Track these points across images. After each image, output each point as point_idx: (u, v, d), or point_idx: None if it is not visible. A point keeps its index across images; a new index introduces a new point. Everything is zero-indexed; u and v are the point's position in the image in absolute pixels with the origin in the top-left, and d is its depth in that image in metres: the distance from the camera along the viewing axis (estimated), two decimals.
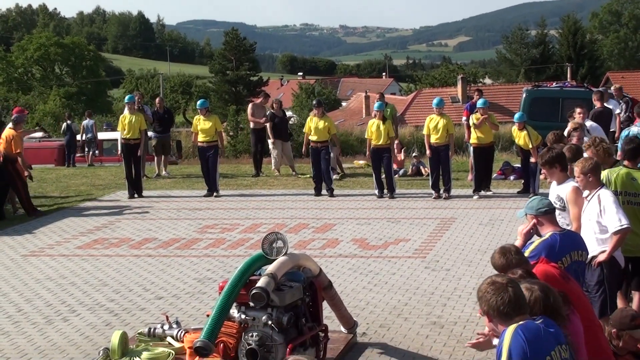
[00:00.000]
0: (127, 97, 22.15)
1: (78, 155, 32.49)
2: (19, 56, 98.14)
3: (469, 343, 6.01)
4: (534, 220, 7.45)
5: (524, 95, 25.89)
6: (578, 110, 15.71)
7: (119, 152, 23.36)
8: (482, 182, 19.52)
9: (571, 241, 7.39)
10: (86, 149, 32.31)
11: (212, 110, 29.00)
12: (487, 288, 4.91)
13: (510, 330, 4.75)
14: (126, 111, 21.35)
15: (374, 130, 19.31)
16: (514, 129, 19.21)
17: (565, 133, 13.45)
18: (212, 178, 20.70)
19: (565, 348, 4.91)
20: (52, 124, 68.01)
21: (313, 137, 19.99)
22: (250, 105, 24.97)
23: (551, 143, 11.54)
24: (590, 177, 8.70)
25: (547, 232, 7.35)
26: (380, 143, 19.32)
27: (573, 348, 5.18)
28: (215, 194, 20.64)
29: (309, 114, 22.93)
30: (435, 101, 19.99)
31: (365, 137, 20.24)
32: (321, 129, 19.90)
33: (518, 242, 7.51)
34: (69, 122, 32.77)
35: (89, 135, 31.88)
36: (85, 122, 32.64)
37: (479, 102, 19.98)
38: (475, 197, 19.05)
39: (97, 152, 32.02)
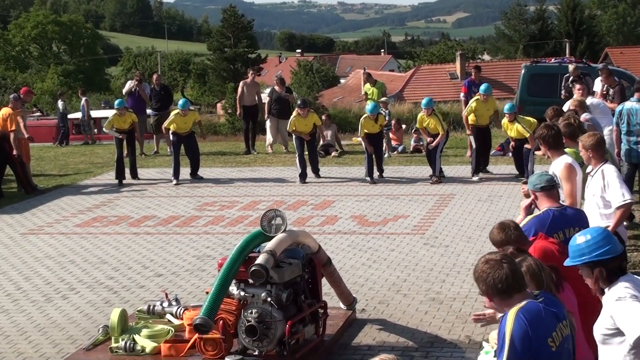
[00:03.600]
0: (116, 102, 20.83)
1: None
2: (16, 34, 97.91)
3: (474, 315, 6.02)
4: (533, 196, 7.46)
5: (523, 72, 25.85)
6: (578, 86, 15.65)
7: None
8: (480, 164, 19.02)
9: (567, 218, 7.37)
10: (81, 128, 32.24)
11: (209, 89, 28.82)
12: (482, 267, 4.87)
13: (511, 314, 4.74)
14: (113, 115, 20.26)
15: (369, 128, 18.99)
16: (504, 121, 18.15)
17: (565, 108, 13.43)
18: (195, 160, 20.28)
19: (565, 324, 4.91)
20: (50, 102, 67.87)
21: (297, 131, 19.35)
22: (241, 84, 24.68)
23: (550, 118, 11.53)
24: (591, 152, 8.69)
25: (543, 207, 7.35)
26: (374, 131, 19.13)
27: (572, 323, 5.18)
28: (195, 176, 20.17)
29: (307, 91, 22.82)
30: (424, 101, 18.90)
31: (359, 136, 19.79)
32: (307, 125, 19.26)
33: (519, 217, 7.51)
34: (62, 100, 32.68)
35: (82, 114, 31.73)
36: (83, 102, 32.47)
37: (482, 88, 19.07)
38: (475, 178, 18.53)
39: (90, 130, 31.74)
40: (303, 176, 19.04)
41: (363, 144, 19.07)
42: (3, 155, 18.66)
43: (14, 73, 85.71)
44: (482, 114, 18.89)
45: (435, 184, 18.06)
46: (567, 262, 5.37)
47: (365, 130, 18.77)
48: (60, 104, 32.09)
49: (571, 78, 21.02)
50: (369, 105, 20.39)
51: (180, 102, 20.56)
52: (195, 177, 20.12)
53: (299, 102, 19.94)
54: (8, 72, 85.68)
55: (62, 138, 30.70)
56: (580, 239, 5.25)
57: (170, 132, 19.86)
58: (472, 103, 18.93)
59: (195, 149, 20.27)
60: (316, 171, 19.49)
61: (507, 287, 4.81)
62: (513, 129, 17.89)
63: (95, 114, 33.80)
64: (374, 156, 18.95)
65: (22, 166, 18.84)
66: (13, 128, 18.43)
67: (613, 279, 5.16)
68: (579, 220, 7.53)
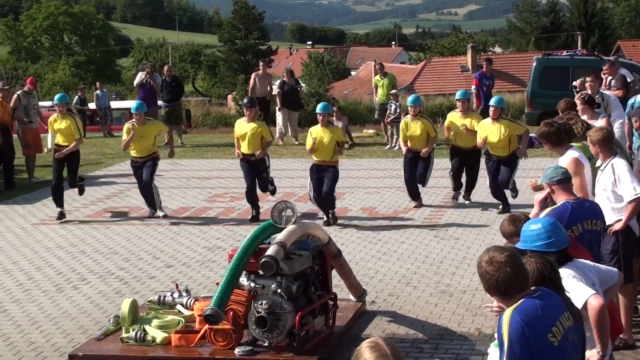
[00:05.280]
0: (57, 97, 16.05)
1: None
2: (27, 25, 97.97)
3: (484, 305, 6.01)
4: (549, 189, 7.44)
5: (534, 64, 25.78)
6: (589, 79, 15.57)
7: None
8: (459, 185, 15.87)
9: (585, 210, 7.37)
10: (99, 119, 31.98)
11: (220, 81, 28.61)
12: (486, 268, 4.84)
13: (506, 315, 4.73)
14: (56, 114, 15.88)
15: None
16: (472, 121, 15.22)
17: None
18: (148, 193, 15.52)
19: (567, 316, 4.89)
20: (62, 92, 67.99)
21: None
22: (253, 76, 24.74)
23: (562, 111, 11.50)
24: (598, 147, 8.67)
25: (560, 200, 7.34)
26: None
27: (576, 312, 5.17)
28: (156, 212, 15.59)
29: (318, 82, 22.61)
30: (410, 99, 16.09)
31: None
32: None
33: (533, 211, 7.50)
34: (78, 95, 32.52)
35: (104, 105, 31.54)
36: (97, 92, 32.40)
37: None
38: (456, 200, 15.81)
39: (111, 121, 31.58)
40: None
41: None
42: (7, 146, 18.76)
43: (26, 64, 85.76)
44: (456, 131, 15.37)
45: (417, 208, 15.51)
46: (519, 245, 5.78)
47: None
48: (76, 98, 31.99)
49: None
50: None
51: (135, 105, 15.83)
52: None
53: (244, 100, 16.08)
54: (20, 63, 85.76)
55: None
56: (533, 226, 5.72)
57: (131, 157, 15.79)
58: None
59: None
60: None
61: (509, 289, 4.79)
62: (492, 130, 14.44)
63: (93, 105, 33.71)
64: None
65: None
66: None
67: (559, 266, 5.57)
68: (595, 213, 7.54)
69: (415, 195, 15.61)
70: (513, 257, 4.87)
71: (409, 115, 15.55)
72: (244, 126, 14.89)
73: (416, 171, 15.46)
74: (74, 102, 31.77)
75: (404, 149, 15.69)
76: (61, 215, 15.41)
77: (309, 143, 14.36)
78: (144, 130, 15.16)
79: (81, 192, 16.37)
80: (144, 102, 16.36)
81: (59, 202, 15.51)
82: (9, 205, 16.95)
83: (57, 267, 12.47)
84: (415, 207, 15.47)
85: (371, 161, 20.63)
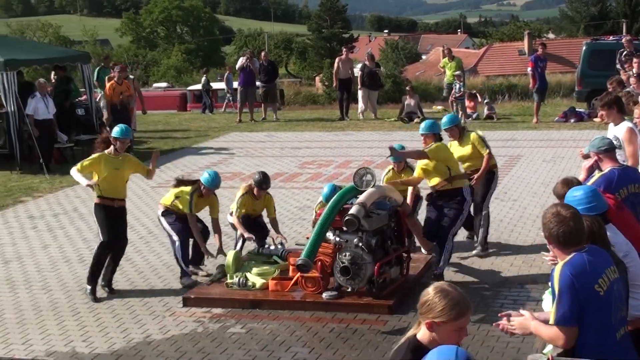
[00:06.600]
0: (118, 131, 9.62)
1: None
2: (146, 18, 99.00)
3: (544, 254, 5.87)
4: (596, 157, 7.29)
5: (584, 48, 25.16)
6: (635, 60, 15.18)
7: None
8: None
9: (629, 176, 7.21)
10: (230, 98, 31.49)
11: (309, 64, 28.31)
12: (551, 218, 4.77)
13: (557, 269, 4.67)
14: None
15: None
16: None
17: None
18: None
19: (613, 269, 4.80)
20: (175, 75, 68.72)
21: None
22: (337, 60, 24.67)
23: (614, 88, 11.27)
24: None
25: (607, 167, 7.19)
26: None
27: (622, 268, 5.09)
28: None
29: (393, 66, 22.40)
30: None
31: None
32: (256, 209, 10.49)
33: (581, 176, 7.37)
34: (205, 76, 32.48)
35: (232, 86, 31.34)
36: (227, 74, 32.21)
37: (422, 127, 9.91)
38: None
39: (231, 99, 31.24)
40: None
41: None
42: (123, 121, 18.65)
43: (144, 51, 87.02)
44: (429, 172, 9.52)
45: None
46: None
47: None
48: (203, 79, 32.05)
49: (625, 52, 20.39)
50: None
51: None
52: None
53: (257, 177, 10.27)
54: (139, 51, 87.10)
55: (206, 107, 30.35)
56: (575, 193, 5.51)
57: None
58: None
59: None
60: None
61: (567, 241, 4.73)
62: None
63: (214, 86, 33.94)
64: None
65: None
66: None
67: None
68: (638, 178, 7.38)
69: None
70: (576, 216, 4.81)
71: (391, 171, 10.58)
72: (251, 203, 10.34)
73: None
74: (202, 82, 31.80)
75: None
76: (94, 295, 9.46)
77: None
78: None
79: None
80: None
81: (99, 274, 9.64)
82: None
83: None
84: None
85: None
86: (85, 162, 9.48)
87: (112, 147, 9.54)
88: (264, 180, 10.15)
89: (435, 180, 9.33)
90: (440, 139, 9.50)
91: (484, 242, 10.35)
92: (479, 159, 10.08)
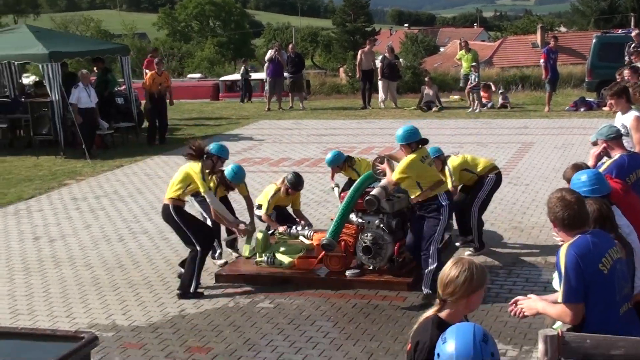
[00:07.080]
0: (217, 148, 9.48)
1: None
2: (181, 12, 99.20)
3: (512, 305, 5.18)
4: (604, 145, 7.24)
5: (594, 41, 24.95)
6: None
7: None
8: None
9: (637, 161, 7.17)
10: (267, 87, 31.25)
11: (334, 56, 28.12)
12: (556, 202, 4.78)
13: (563, 250, 4.67)
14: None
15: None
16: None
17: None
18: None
19: (616, 249, 4.80)
20: (208, 67, 68.84)
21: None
22: (359, 52, 24.59)
23: (630, 76, 11.18)
24: None
25: (616, 154, 7.14)
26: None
27: (627, 249, 5.07)
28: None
29: (413, 57, 22.34)
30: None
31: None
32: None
33: (590, 163, 7.33)
34: (244, 66, 32.27)
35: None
36: (266, 65, 32.03)
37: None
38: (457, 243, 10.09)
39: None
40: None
41: None
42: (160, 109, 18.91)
43: (180, 44, 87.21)
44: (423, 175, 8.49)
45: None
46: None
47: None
48: (242, 68, 31.88)
49: (633, 44, 20.19)
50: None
51: (229, 169, 9.55)
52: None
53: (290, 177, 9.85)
54: (175, 43, 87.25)
55: (244, 96, 29.91)
56: (581, 176, 5.49)
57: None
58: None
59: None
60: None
61: (572, 224, 4.73)
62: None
63: (253, 76, 33.71)
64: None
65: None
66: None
67: None
68: None
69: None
70: (580, 200, 4.82)
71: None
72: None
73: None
74: (241, 72, 31.56)
75: None
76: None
77: None
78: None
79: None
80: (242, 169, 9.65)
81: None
82: (167, 157, 17.32)
83: None
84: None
85: (457, 121, 20.38)
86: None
87: (209, 162, 9.08)
88: (298, 182, 9.79)
89: (411, 194, 8.40)
90: (418, 147, 8.35)
91: (477, 241, 9.69)
92: (468, 179, 9.73)
